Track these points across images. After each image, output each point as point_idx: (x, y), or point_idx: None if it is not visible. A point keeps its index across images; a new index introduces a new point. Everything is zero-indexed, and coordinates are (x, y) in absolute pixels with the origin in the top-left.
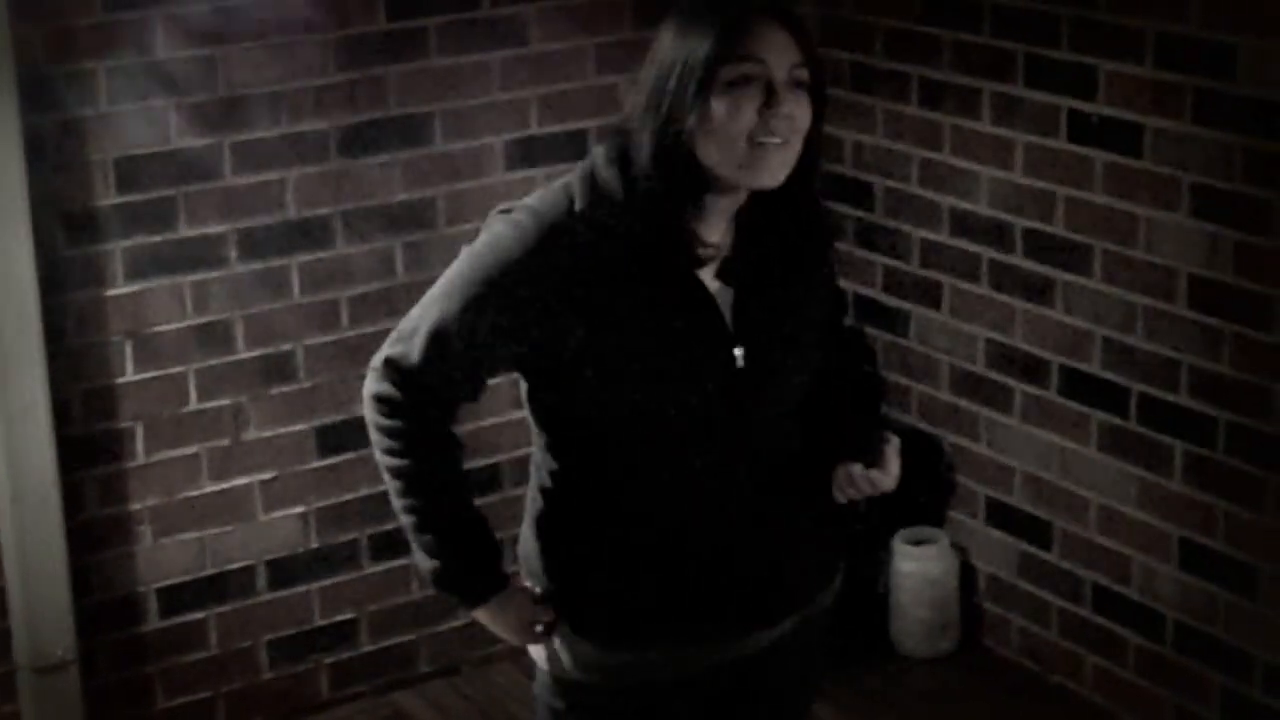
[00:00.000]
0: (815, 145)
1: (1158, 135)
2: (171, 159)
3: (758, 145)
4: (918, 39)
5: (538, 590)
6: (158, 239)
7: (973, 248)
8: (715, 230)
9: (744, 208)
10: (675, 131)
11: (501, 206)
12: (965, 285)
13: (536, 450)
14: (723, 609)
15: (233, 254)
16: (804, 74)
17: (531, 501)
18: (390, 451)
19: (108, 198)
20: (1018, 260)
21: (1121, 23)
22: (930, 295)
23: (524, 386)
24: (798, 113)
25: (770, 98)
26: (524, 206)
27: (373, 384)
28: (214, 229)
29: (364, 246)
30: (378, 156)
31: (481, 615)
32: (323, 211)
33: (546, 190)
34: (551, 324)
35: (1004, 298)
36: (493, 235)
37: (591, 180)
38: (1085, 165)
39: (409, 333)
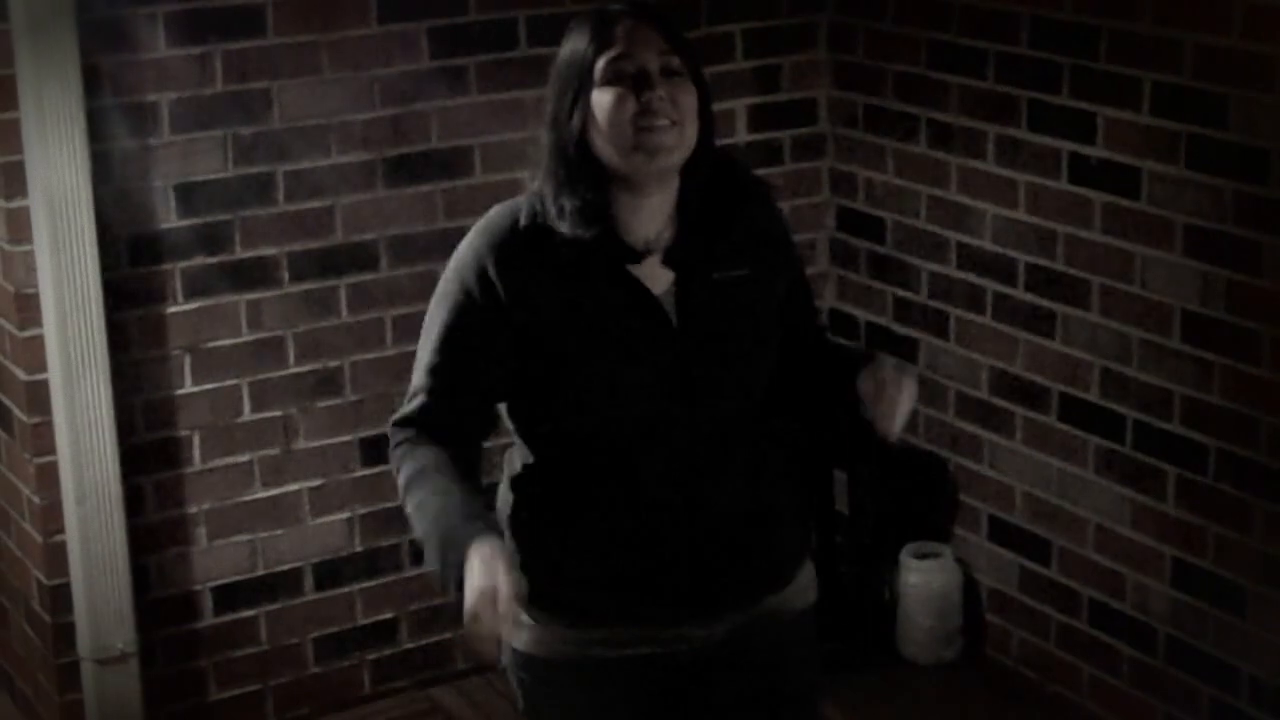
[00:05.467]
0: (708, 124)
1: (1153, 178)
2: (228, 186)
3: (643, 130)
4: (927, 84)
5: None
6: (215, 260)
7: (978, 281)
8: (651, 224)
9: (681, 198)
10: (568, 133)
11: None
12: (971, 316)
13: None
14: (656, 593)
15: (285, 275)
16: (674, 60)
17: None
18: (402, 473)
19: (169, 221)
20: (1020, 293)
21: (1120, 72)
22: (938, 325)
23: None
24: (677, 95)
25: (645, 84)
26: (470, 237)
27: (390, 440)
28: (268, 251)
29: (407, 270)
30: (420, 186)
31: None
32: (369, 237)
33: (492, 213)
34: (505, 314)
35: (1007, 328)
36: (451, 259)
37: (533, 196)
38: (1084, 205)
39: (410, 392)
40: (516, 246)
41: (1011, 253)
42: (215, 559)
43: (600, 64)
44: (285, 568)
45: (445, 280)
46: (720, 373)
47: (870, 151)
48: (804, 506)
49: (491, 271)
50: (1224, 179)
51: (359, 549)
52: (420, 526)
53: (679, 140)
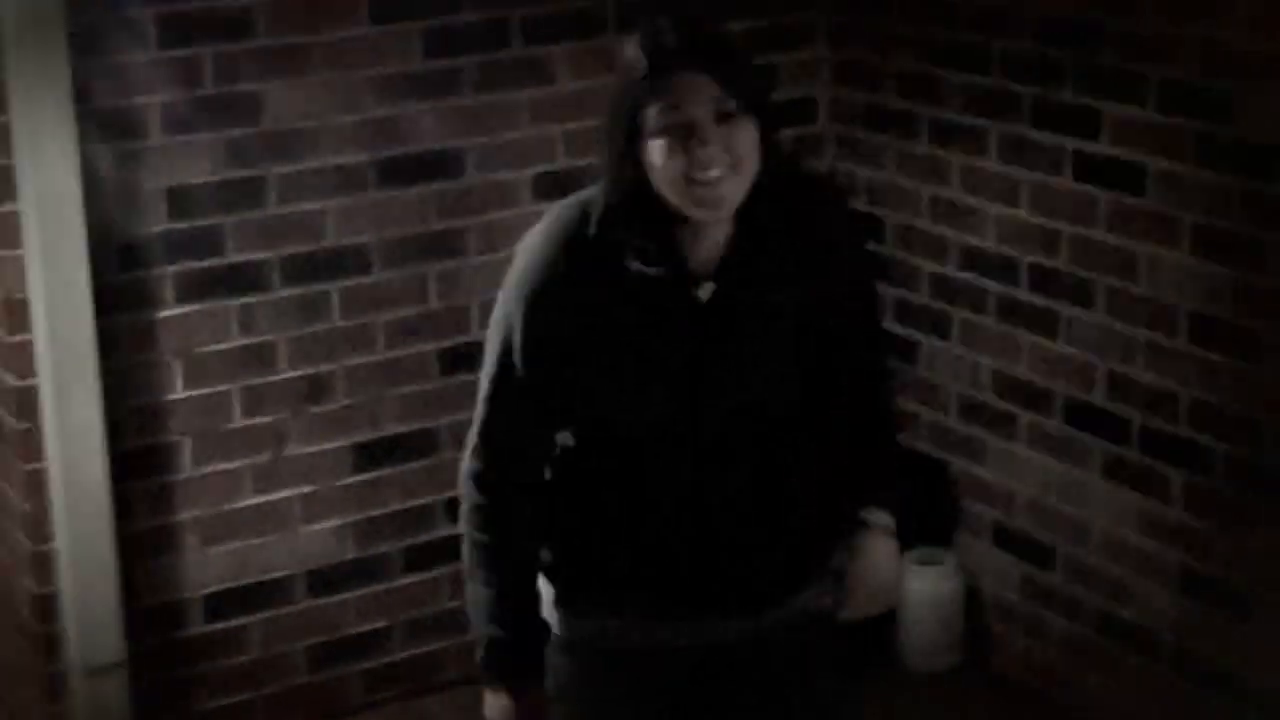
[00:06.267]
0: (774, 151)
1: (1160, 176)
2: (219, 189)
3: (695, 183)
4: (928, 81)
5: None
6: (206, 264)
7: (980, 281)
8: (712, 249)
9: (743, 220)
10: (626, 179)
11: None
12: (973, 317)
13: None
14: (677, 589)
15: (276, 279)
16: (729, 105)
17: None
18: (472, 525)
19: (159, 225)
20: (1024, 294)
21: (1124, 68)
22: (940, 326)
23: None
24: (732, 140)
25: (695, 136)
26: (537, 232)
27: (464, 466)
28: (259, 255)
29: (399, 273)
30: (413, 188)
31: (493, 699)
32: (361, 240)
33: (561, 207)
34: (569, 320)
35: (1010, 329)
36: (516, 257)
37: (599, 201)
38: (1089, 204)
39: (481, 426)
40: (585, 257)
41: (1014, 252)
42: (206, 567)
43: (651, 113)
44: (276, 576)
45: (510, 286)
46: (745, 382)
47: (871, 150)
48: (831, 509)
49: (561, 287)
50: (1231, 176)
51: (350, 557)
52: (477, 602)
53: (735, 187)
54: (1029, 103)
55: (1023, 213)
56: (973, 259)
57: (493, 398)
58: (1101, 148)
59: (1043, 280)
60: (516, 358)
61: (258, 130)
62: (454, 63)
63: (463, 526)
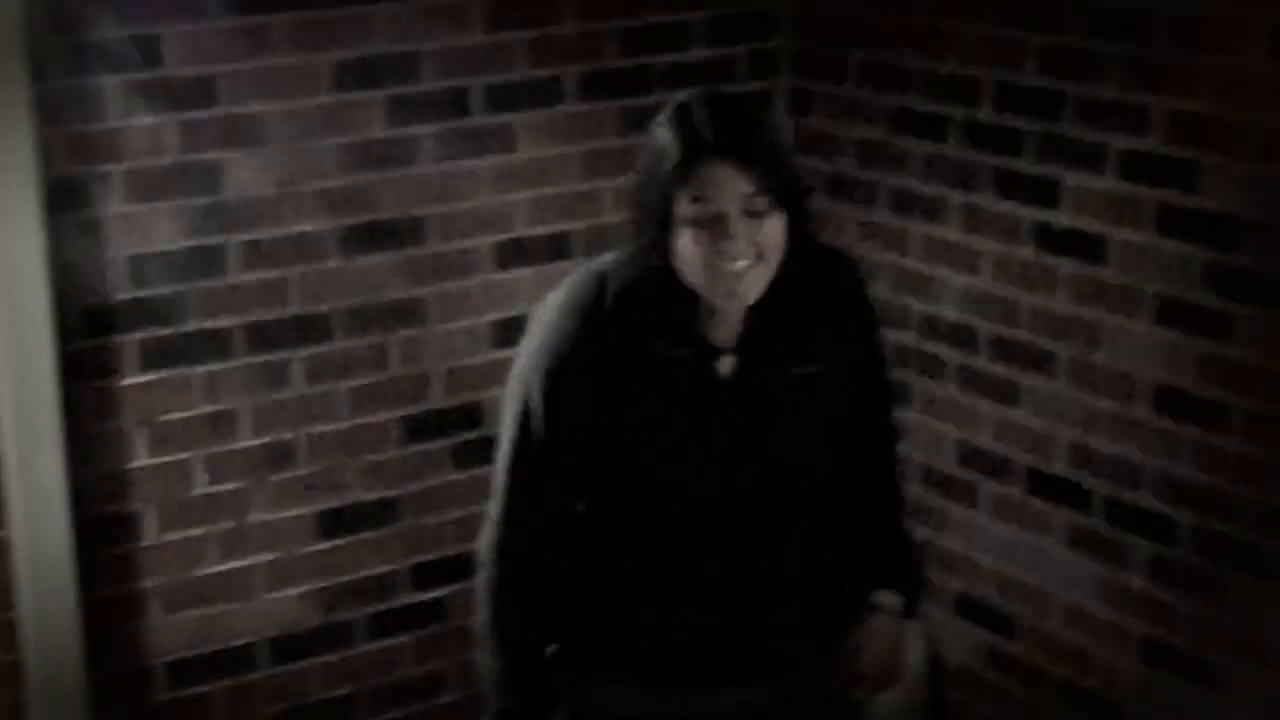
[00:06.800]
0: (800, 238)
1: (1121, 246)
2: (183, 257)
3: (720, 273)
4: (888, 149)
5: None
6: (169, 332)
7: (941, 350)
8: (734, 328)
9: (765, 299)
10: (655, 262)
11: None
12: (934, 386)
13: None
14: (687, 659)
15: (239, 347)
16: (757, 201)
17: None
18: (489, 593)
19: (124, 293)
20: (984, 363)
21: (1085, 137)
22: (901, 395)
23: None
24: (759, 236)
25: (722, 228)
26: (553, 303)
27: (483, 536)
28: (222, 323)
29: (361, 341)
30: (374, 256)
31: None
32: (323, 308)
33: (577, 278)
34: (584, 396)
35: (971, 399)
36: (532, 327)
37: (619, 272)
38: (1050, 273)
39: (495, 487)
40: (604, 330)
41: (975, 322)
42: (169, 634)
43: (680, 201)
44: (240, 643)
45: (529, 362)
46: (768, 455)
47: (830, 219)
48: (845, 585)
49: (577, 356)
50: (1194, 247)
51: (314, 624)
52: (490, 671)
53: (759, 276)
54: (989, 172)
55: (983, 282)
56: (934, 328)
57: (512, 468)
58: (1062, 217)
59: (1004, 350)
60: (535, 428)
61: (220, 198)
62: (415, 131)
63: (480, 595)
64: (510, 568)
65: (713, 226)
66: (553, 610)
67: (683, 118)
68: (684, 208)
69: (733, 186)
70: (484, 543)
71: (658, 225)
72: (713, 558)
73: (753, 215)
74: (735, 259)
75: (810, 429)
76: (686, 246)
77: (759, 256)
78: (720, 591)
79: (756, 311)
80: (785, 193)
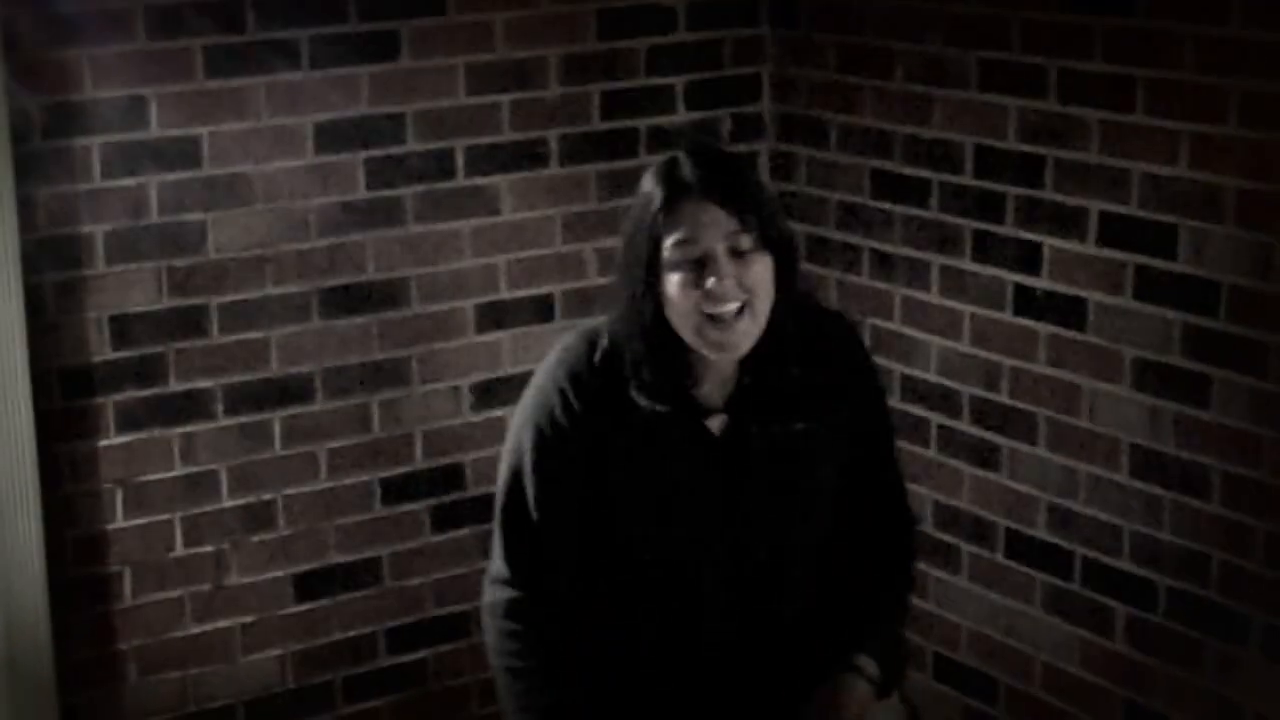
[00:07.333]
0: (788, 286)
1: (1100, 310)
2: (162, 318)
3: (709, 320)
4: (869, 213)
5: None
6: (148, 393)
7: (921, 413)
8: (724, 384)
9: (754, 354)
10: (644, 313)
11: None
12: (914, 449)
13: None
14: (670, 714)
15: (219, 408)
16: (743, 240)
17: None
18: (499, 653)
19: (102, 354)
20: (965, 426)
21: (1065, 202)
22: None
23: None
24: (745, 274)
25: (709, 269)
26: (546, 364)
27: (485, 597)
28: (202, 384)
29: (342, 403)
30: (356, 318)
31: None
32: (304, 369)
33: (570, 339)
34: (574, 457)
35: (951, 462)
36: (526, 392)
37: (608, 333)
38: (1030, 337)
39: (494, 547)
40: (593, 388)
41: (956, 385)
42: (146, 696)
43: (666, 245)
44: (216, 705)
45: (521, 421)
46: (758, 519)
47: (812, 282)
48: (829, 643)
49: (567, 417)
50: (1173, 311)
51: (291, 686)
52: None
53: (749, 326)
54: (970, 235)
55: (963, 345)
56: (914, 391)
57: (506, 525)
58: (1042, 281)
59: (984, 413)
60: (527, 487)
61: (202, 259)
62: (397, 192)
63: (491, 659)
64: (516, 624)
65: (700, 268)
66: (566, 666)
67: (668, 167)
68: (671, 251)
69: (716, 226)
70: (487, 604)
71: (645, 271)
72: (702, 623)
73: (738, 255)
74: (723, 300)
75: (806, 492)
76: (675, 292)
77: (747, 302)
78: (709, 657)
79: (749, 370)
80: (770, 234)
